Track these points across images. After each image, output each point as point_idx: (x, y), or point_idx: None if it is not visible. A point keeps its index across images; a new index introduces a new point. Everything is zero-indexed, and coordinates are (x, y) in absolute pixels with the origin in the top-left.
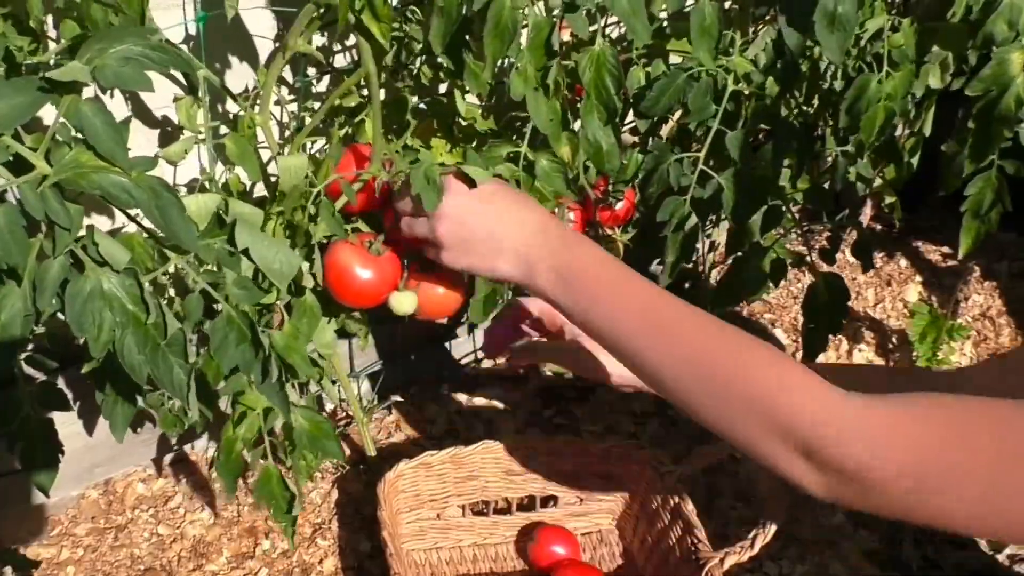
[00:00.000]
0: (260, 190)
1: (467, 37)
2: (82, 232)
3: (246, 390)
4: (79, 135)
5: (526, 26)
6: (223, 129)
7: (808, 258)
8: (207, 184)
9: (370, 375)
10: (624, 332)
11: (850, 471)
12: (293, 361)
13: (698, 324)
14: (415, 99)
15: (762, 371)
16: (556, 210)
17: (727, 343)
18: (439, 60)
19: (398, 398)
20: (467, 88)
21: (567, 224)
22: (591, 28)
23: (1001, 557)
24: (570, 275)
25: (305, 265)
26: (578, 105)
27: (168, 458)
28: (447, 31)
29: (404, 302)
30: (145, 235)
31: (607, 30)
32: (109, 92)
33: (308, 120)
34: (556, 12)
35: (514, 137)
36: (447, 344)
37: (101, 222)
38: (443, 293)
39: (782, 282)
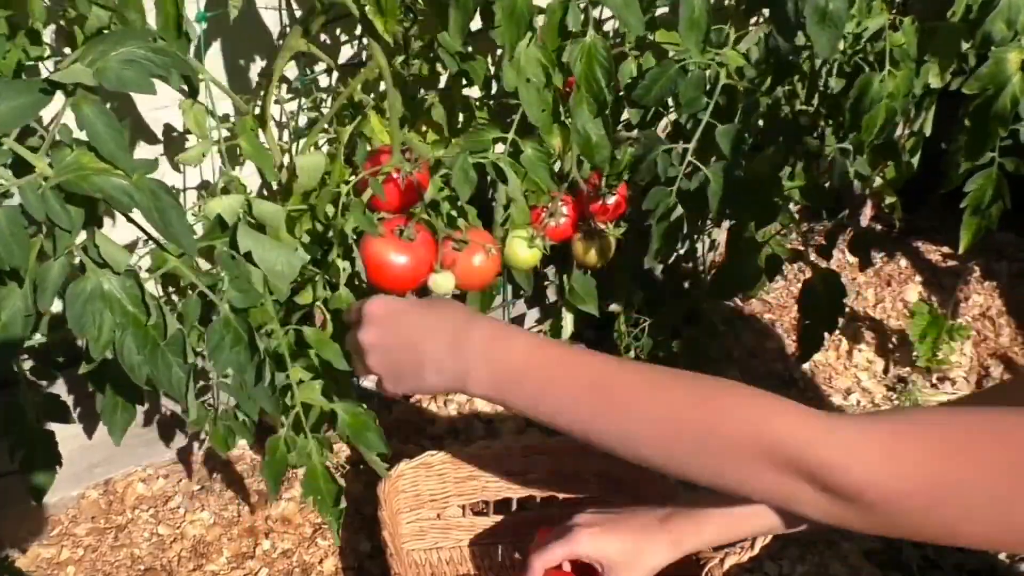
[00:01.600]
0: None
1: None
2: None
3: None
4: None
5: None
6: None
7: (805, 255)
8: (227, 186)
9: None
10: (580, 419)
11: (852, 493)
12: (327, 356)
13: (654, 383)
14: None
15: (738, 410)
16: (548, 204)
17: (691, 393)
18: (439, 53)
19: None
20: (472, 80)
21: (549, 225)
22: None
23: (1001, 556)
24: (503, 378)
25: (345, 264)
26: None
27: (168, 458)
28: (465, 23)
29: (442, 282)
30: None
31: (601, 22)
32: None
33: (315, 118)
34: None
35: (506, 128)
36: None
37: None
38: (478, 265)
39: (783, 282)
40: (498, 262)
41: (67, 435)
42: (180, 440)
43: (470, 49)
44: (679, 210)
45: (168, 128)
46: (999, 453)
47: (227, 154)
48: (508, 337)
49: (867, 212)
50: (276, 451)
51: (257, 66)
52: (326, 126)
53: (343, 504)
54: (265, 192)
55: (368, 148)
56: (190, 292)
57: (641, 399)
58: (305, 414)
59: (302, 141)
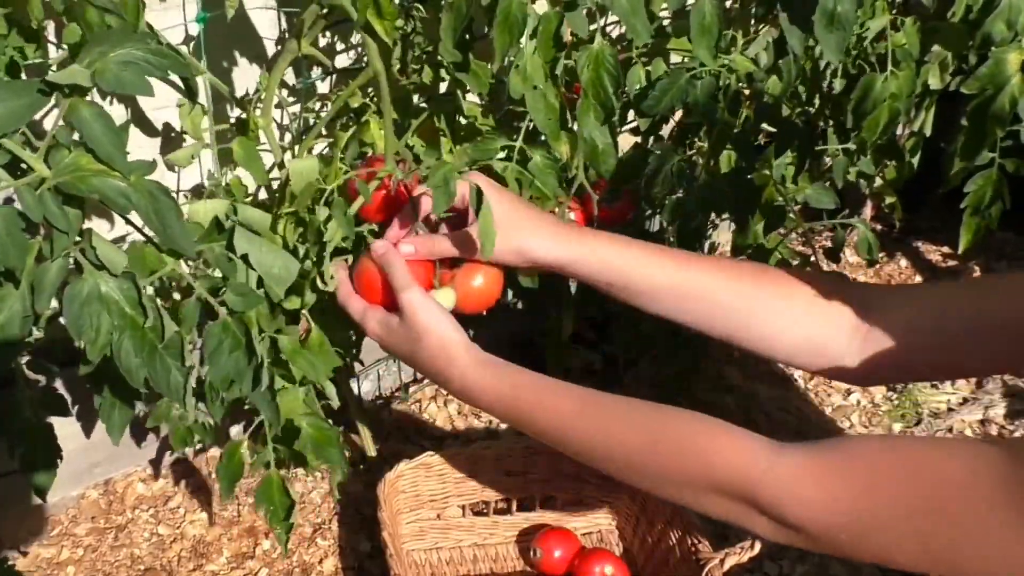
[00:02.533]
0: (260, 192)
1: (466, 36)
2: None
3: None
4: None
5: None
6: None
7: (814, 258)
8: (215, 190)
9: (370, 375)
10: (552, 442)
11: (792, 525)
12: (300, 367)
13: (609, 432)
14: (416, 98)
15: (688, 451)
16: (556, 209)
17: (643, 436)
18: (440, 59)
19: (398, 398)
20: (468, 87)
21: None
22: (591, 27)
23: None
24: (482, 411)
25: (321, 266)
26: (577, 104)
27: (168, 458)
28: (457, 26)
29: (442, 299)
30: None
31: (607, 29)
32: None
33: (313, 122)
34: (560, 8)
35: (513, 136)
36: None
37: (100, 226)
38: (479, 286)
39: None
40: (500, 283)
41: (67, 435)
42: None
43: (470, 55)
44: (699, 218)
45: (167, 128)
46: (913, 488)
47: (221, 157)
48: (475, 389)
49: (867, 212)
50: (234, 456)
51: (256, 69)
52: (323, 131)
53: (293, 519)
54: (265, 194)
55: (368, 152)
56: (190, 296)
57: (598, 447)
58: (268, 424)
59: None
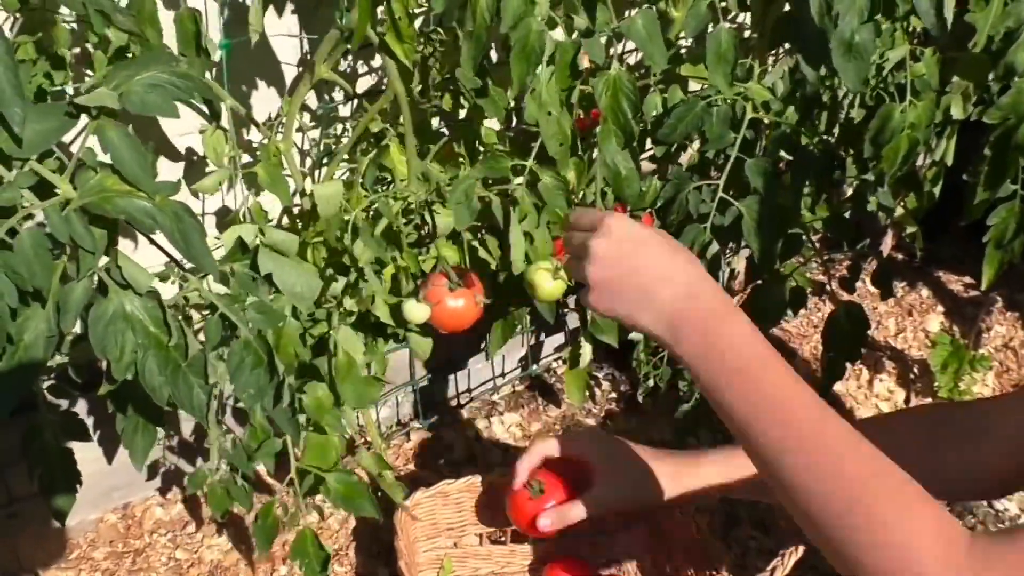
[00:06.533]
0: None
1: (484, 63)
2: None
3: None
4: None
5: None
6: (247, 158)
7: (828, 287)
8: (241, 217)
9: (388, 402)
10: (755, 424)
11: None
12: (326, 423)
13: (832, 433)
14: (435, 122)
15: (886, 507)
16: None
17: (858, 463)
18: (459, 85)
19: (417, 424)
20: (486, 113)
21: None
22: (608, 53)
23: None
24: (713, 350)
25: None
26: (595, 130)
27: (186, 483)
28: (477, 54)
29: (416, 312)
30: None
31: (624, 56)
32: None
33: (336, 145)
34: (577, 36)
35: (525, 157)
36: (466, 370)
37: (124, 245)
38: (452, 307)
39: (803, 312)
40: (478, 314)
41: (86, 459)
42: (199, 466)
43: (489, 81)
44: (715, 247)
45: (189, 152)
46: None
47: (246, 181)
48: (728, 317)
49: (888, 241)
50: (268, 516)
51: (277, 94)
52: (345, 155)
53: (329, 571)
54: (286, 219)
55: (387, 177)
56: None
57: (808, 443)
58: (300, 479)
59: (323, 170)
